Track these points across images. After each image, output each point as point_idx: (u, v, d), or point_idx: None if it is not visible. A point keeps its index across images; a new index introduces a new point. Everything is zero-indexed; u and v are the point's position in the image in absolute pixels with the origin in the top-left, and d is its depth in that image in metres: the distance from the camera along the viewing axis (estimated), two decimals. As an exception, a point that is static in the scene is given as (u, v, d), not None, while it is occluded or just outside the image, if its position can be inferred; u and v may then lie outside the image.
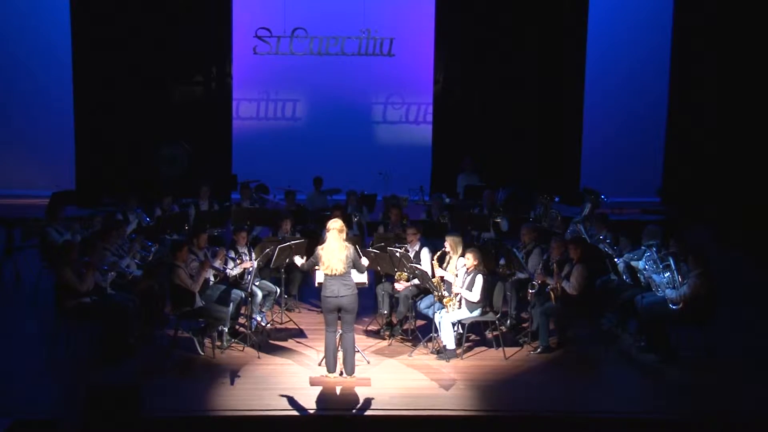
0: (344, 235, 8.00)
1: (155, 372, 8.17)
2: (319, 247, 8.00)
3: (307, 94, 17.87)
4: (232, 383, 7.93)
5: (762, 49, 14.52)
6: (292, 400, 7.51)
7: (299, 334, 9.39)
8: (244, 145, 17.12)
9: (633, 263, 9.34)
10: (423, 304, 8.97)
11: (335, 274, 7.84)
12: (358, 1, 17.29)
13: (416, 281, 9.05)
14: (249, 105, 17.77)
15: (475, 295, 8.52)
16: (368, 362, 8.43)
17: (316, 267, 8.13)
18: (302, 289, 10.59)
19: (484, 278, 8.55)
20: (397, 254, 8.88)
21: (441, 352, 8.62)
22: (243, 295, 8.98)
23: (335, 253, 7.84)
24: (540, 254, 9.50)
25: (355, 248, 8.12)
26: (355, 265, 8.02)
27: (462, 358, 8.62)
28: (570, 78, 16.86)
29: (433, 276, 8.76)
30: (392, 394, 7.70)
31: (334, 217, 8.37)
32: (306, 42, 17.43)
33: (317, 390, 7.80)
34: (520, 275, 9.45)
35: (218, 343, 8.69)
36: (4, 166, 17.31)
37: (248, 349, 8.73)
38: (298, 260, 9.18)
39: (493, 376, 8.25)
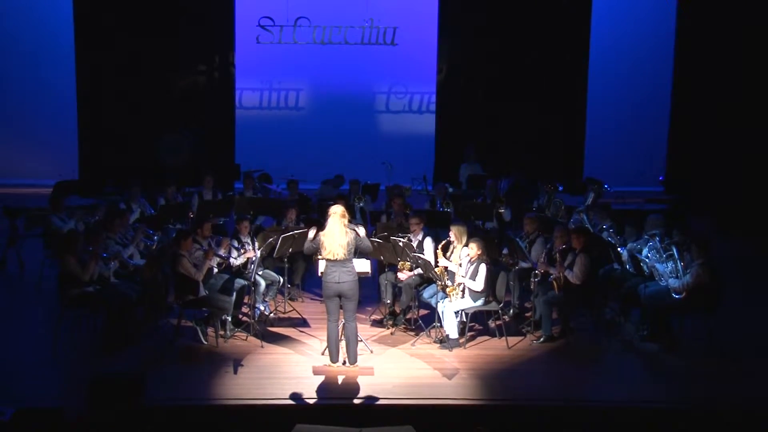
0: (346, 220, 7.96)
1: (158, 361, 8.18)
2: (321, 233, 7.97)
3: (310, 84, 17.81)
4: (235, 372, 7.94)
5: (764, 41, 14.44)
6: (294, 389, 7.51)
7: (302, 323, 9.39)
8: (247, 134, 17.15)
9: (636, 253, 9.34)
10: (426, 294, 8.97)
11: (336, 260, 7.84)
12: (361, -10, 17.27)
13: (419, 271, 9.05)
14: (252, 94, 17.72)
15: (479, 284, 8.52)
16: (371, 351, 8.44)
17: (318, 256, 8.11)
18: (305, 278, 10.60)
19: (487, 268, 8.54)
20: (400, 244, 8.87)
21: (444, 342, 8.63)
22: (246, 285, 8.99)
23: (336, 238, 7.83)
24: (543, 244, 9.50)
25: (356, 233, 8.02)
26: (360, 248, 8.00)
27: (465, 348, 8.62)
28: (573, 67, 16.83)
29: (436, 265, 8.76)
30: (395, 384, 7.71)
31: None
32: (309, 31, 17.37)
33: (320, 379, 7.81)
34: (523, 264, 9.44)
35: (221, 333, 8.68)
36: (8, 156, 17.30)
37: (251, 339, 8.74)
38: (311, 234, 8.23)
39: (496, 365, 8.26)
